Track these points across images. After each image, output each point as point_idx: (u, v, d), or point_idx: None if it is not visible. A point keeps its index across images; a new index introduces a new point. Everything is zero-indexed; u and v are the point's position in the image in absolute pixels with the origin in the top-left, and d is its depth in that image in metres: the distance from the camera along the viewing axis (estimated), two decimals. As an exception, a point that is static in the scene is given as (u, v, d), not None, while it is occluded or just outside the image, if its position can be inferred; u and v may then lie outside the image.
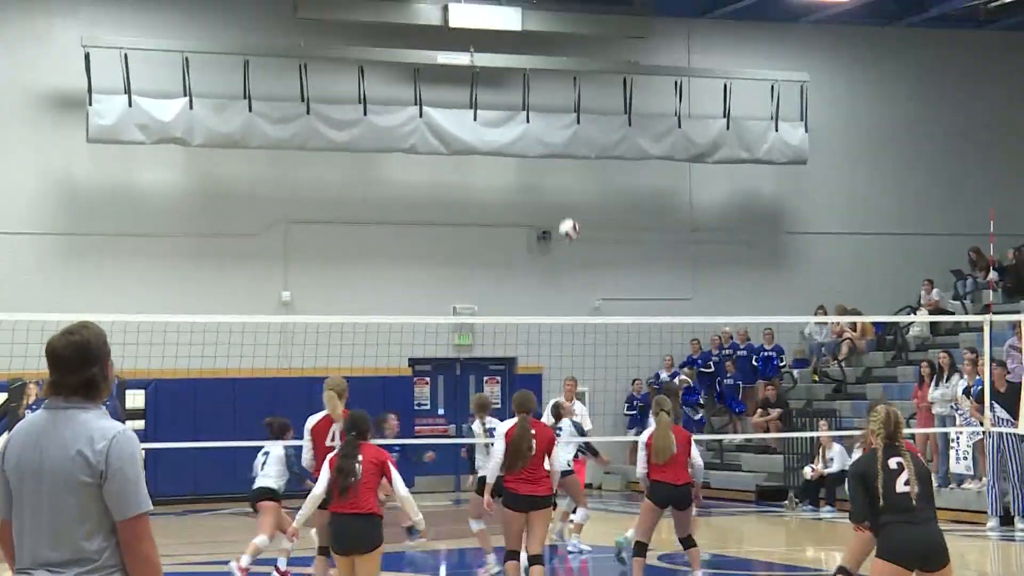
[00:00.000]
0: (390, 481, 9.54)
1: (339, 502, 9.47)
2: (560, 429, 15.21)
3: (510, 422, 11.38)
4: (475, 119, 23.58)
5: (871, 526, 7.96)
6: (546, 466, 11.17)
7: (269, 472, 13.09)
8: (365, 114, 23.02)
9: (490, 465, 11.45)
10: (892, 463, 7.92)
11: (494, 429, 14.77)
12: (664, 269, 25.48)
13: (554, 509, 12.35)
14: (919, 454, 8.76)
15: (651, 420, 12.65)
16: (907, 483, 7.89)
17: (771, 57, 26.01)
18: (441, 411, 24.39)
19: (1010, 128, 27.21)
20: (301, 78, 22.71)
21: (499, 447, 11.24)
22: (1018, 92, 27.30)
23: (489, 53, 23.80)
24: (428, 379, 24.44)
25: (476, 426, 14.17)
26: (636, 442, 23.14)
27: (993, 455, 17.50)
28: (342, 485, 9.40)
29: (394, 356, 22.71)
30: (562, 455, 13.94)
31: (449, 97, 23.80)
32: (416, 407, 23.98)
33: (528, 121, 23.86)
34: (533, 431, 11.22)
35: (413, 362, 23.81)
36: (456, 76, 23.70)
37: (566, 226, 18.67)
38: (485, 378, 24.53)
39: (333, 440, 10.99)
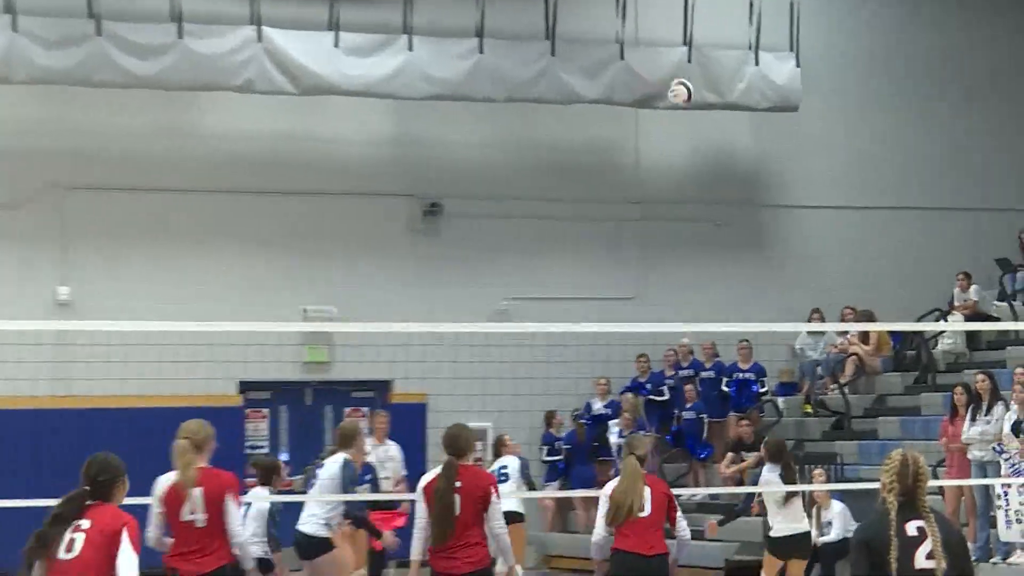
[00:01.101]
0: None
1: None
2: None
3: (434, 471, 11.69)
4: (336, 45, 23.57)
5: None
6: (494, 528, 11.54)
7: (316, 512, 14.05)
8: (180, 36, 22.94)
9: (413, 536, 11.69)
10: (911, 528, 8.05)
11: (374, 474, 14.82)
12: (599, 257, 25.58)
13: None
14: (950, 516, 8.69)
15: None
16: (930, 556, 7.99)
17: (749, -38, 26.09)
18: (284, 455, 23.92)
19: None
20: (86, -16, 22.55)
21: (420, 510, 11.56)
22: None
23: (354, -47, 23.84)
24: (265, 411, 24.42)
25: (334, 467, 14.32)
26: (555, 499, 23.04)
27: None
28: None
29: (217, 379, 22.57)
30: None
31: (301, 14, 23.78)
32: (249, 451, 23.64)
33: (410, 48, 23.87)
34: (459, 482, 11.39)
35: (245, 387, 23.79)
36: (309, -15, 23.70)
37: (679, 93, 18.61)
38: (346, 409, 24.40)
39: (194, 512, 10.95)
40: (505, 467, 18.03)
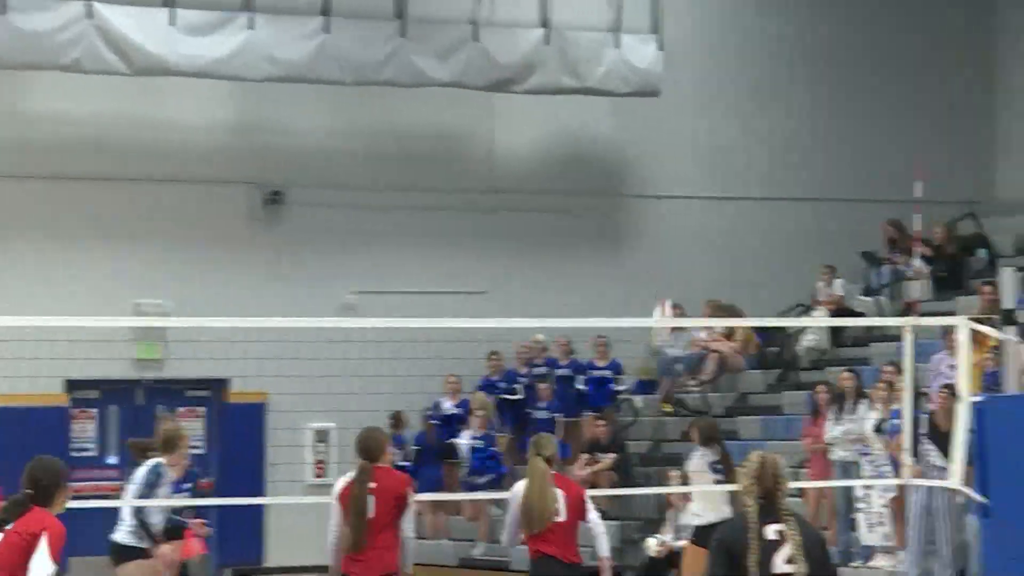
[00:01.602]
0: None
1: None
2: None
3: (348, 475, 12.02)
4: (172, 23, 23.40)
5: None
6: (405, 531, 11.89)
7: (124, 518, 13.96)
8: (4, 12, 22.70)
9: (328, 544, 12.01)
10: (770, 532, 8.21)
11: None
12: (450, 249, 25.62)
13: None
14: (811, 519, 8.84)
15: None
16: (789, 560, 8.15)
17: (609, -59, 26.34)
18: (112, 459, 24.10)
19: (948, 53, 27.89)
20: (-98, -46, 22.41)
21: (333, 513, 11.97)
22: (959, 6, 28.04)
23: (191, -75, 23.79)
24: (94, 411, 24.25)
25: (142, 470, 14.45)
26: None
27: (919, 519, 17.86)
28: None
29: (41, 377, 22.31)
30: None
31: (133, -11, 23.66)
32: (74, 453, 23.46)
33: (252, 27, 23.77)
34: (373, 484, 11.75)
35: (72, 385, 23.62)
36: (142, -42, 23.59)
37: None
38: (180, 409, 24.31)
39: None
40: None
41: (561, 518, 12.68)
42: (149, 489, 14.11)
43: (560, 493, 12.77)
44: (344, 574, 11.79)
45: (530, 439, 13.46)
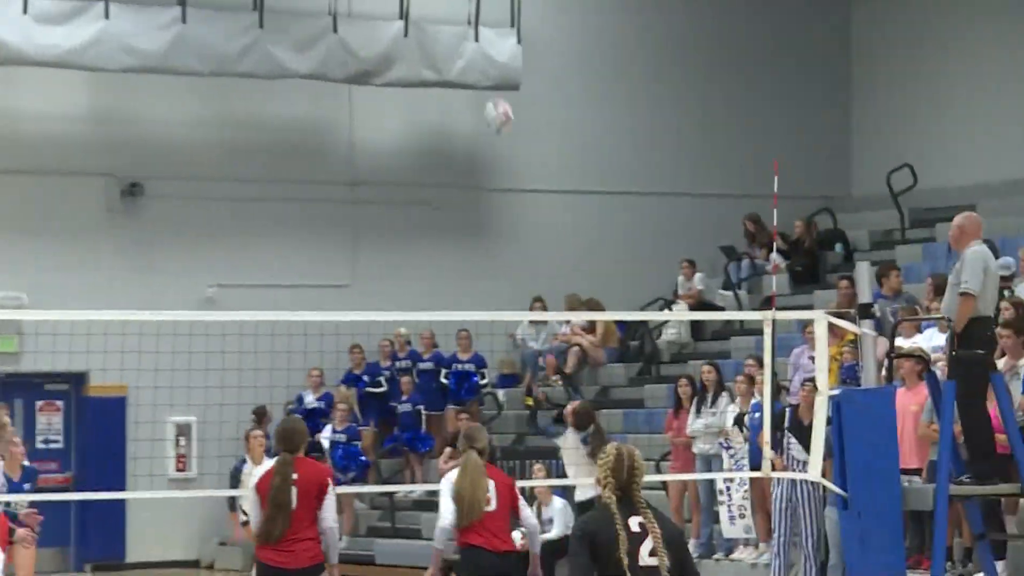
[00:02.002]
0: None
1: None
2: None
3: (266, 465, 12.10)
4: (24, 11, 23.32)
5: None
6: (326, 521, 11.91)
7: None
8: None
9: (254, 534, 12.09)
10: (633, 524, 8.25)
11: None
12: (311, 242, 25.66)
13: None
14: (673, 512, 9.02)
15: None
16: (653, 552, 8.19)
17: (469, -68, 26.34)
18: (-30, 454, 23.84)
19: (805, 48, 28.36)
20: None
21: (252, 502, 11.96)
22: (816, 4, 28.51)
23: (44, -89, 23.50)
24: (-54, 404, 24.01)
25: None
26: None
27: (782, 512, 17.93)
28: None
29: None
30: None
31: (-17, -23, 23.35)
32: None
33: (107, 17, 23.71)
34: (295, 475, 11.75)
35: None
36: (-6, -57, 23.27)
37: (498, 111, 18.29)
38: (39, 403, 24.26)
39: None
40: None
41: (491, 508, 12.77)
42: None
43: (491, 483, 12.84)
44: (265, 564, 11.83)
45: (462, 432, 13.61)
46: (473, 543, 12.73)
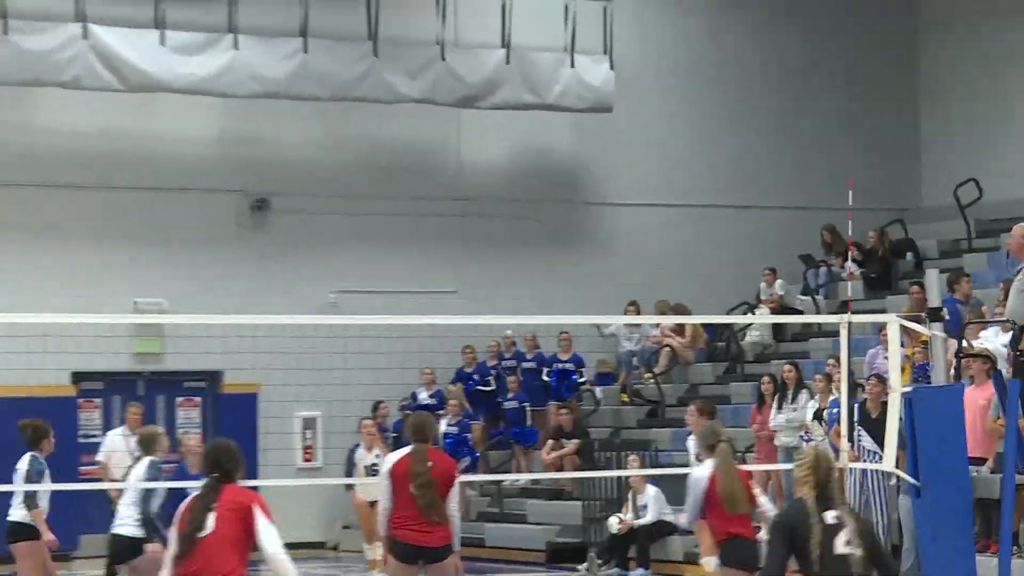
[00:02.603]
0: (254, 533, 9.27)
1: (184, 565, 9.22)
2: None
3: (399, 453, 12.11)
4: (162, 43, 23.48)
5: None
6: (451, 510, 12.01)
7: (19, 497, 13.58)
8: (5, 32, 22.71)
9: (379, 509, 12.17)
10: (829, 517, 8.53)
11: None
12: (424, 252, 25.67)
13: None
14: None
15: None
16: (848, 542, 8.45)
17: (566, -33, 26.36)
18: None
19: (875, 74, 28.20)
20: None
21: (385, 486, 11.98)
22: (887, 30, 28.35)
23: (182, -48, 23.69)
24: (98, 400, 24.24)
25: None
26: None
27: (856, 500, 17.97)
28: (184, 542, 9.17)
29: (51, 369, 22.41)
30: None
31: (126, 12, 23.60)
32: (81, 439, 23.59)
33: (237, 48, 23.84)
34: (430, 463, 11.89)
35: (78, 377, 23.59)
36: (136, -18, 23.50)
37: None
38: (179, 399, 24.47)
39: None
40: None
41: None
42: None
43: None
44: (405, 543, 11.88)
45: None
46: (737, 533, 12.11)
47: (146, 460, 14.36)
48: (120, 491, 14.65)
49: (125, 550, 14.15)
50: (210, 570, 9.00)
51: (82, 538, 22.91)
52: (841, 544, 8.47)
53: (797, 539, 8.48)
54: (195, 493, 9.32)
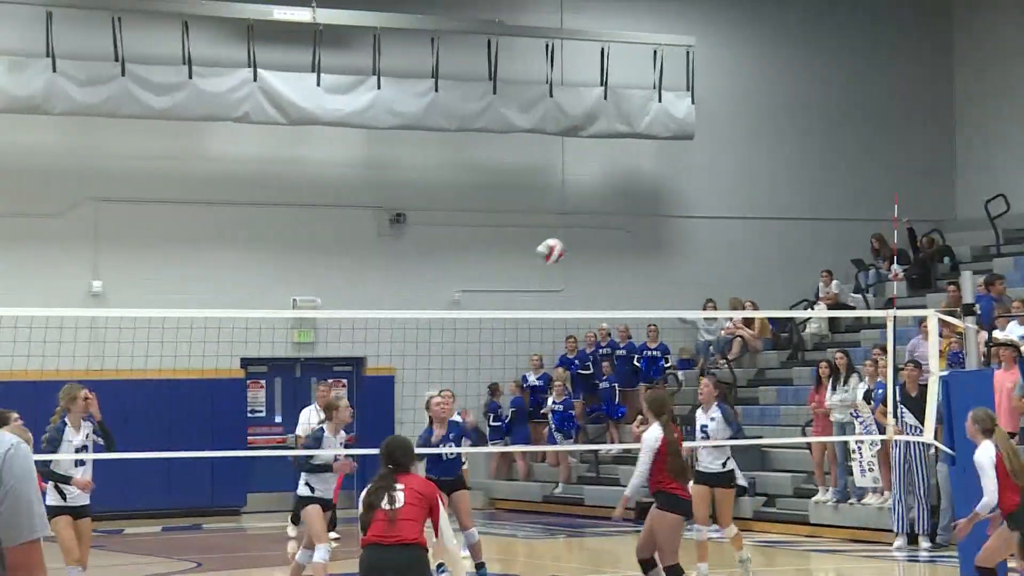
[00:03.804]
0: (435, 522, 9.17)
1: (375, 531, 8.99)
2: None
3: (655, 431, 12.09)
4: (318, 84, 23.59)
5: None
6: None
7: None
8: (190, 77, 22.90)
9: (634, 481, 12.34)
10: None
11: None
12: (533, 257, 25.23)
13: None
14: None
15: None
16: None
17: (654, 18, 26.36)
18: (278, 418, 24.26)
19: (915, 104, 27.92)
20: (114, 33, 22.43)
21: (647, 459, 12.07)
22: (925, 65, 28.02)
23: (334, 9, 23.74)
24: (263, 382, 24.41)
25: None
26: (500, 454, 23.07)
27: (900, 467, 17.85)
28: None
29: (224, 356, 22.42)
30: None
31: (288, 58, 23.75)
32: (249, 414, 23.94)
33: (379, 87, 23.91)
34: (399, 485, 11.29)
35: (246, 362, 23.73)
36: (296, 34, 23.62)
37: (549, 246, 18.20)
38: (329, 380, 24.31)
39: None
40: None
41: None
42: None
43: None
44: (671, 492, 12.10)
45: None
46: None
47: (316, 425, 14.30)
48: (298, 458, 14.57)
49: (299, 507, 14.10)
50: (403, 535, 8.83)
51: (249, 495, 23.13)
52: None
53: None
54: (373, 481, 9.15)
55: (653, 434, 12.25)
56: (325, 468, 13.26)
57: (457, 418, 15.29)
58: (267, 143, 24.28)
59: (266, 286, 23.56)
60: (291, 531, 17.26)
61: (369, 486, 9.16)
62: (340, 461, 13.44)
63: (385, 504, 8.87)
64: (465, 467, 15.94)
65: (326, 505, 13.28)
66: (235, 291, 22.95)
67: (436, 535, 9.14)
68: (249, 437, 23.40)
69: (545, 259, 17.65)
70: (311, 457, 13.34)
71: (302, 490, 13.43)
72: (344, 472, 13.80)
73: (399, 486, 8.97)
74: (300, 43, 23.61)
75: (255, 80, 23.18)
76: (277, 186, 24.33)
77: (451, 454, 14.43)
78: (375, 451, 12.79)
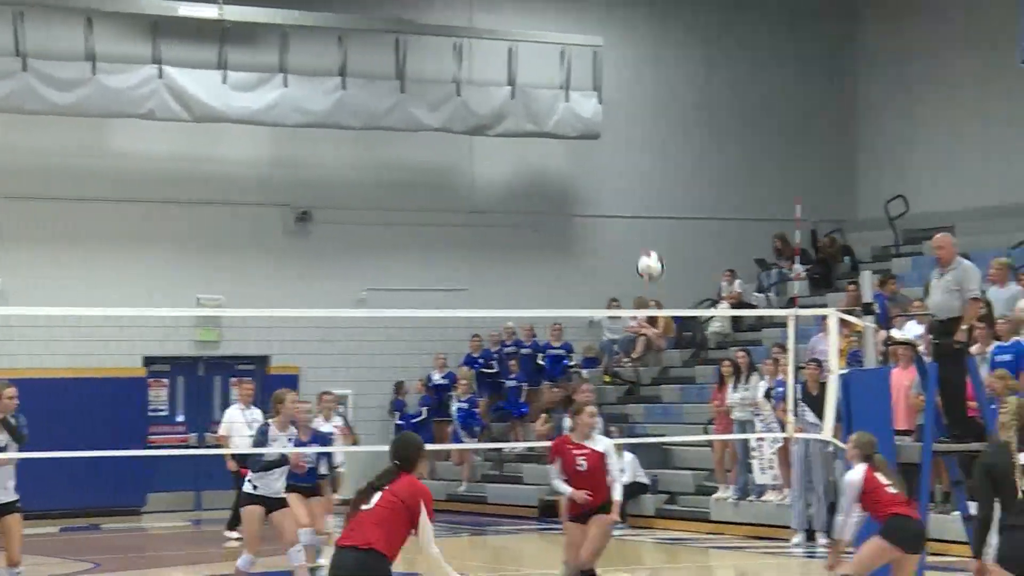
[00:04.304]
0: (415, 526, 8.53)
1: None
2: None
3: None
4: (224, 81, 23.33)
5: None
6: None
7: None
8: (93, 73, 22.59)
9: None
10: (1022, 458, 8.36)
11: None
12: (440, 256, 25.49)
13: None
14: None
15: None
16: None
17: (562, 18, 26.25)
18: (180, 417, 24.01)
19: (818, 106, 28.00)
20: (16, 29, 22.11)
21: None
22: (827, 67, 28.11)
23: (240, 6, 23.48)
24: (166, 380, 24.08)
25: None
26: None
27: (800, 465, 17.86)
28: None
29: (125, 354, 22.35)
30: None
31: (193, 55, 23.47)
32: (150, 413, 23.58)
33: (286, 85, 23.69)
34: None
35: (148, 361, 23.48)
36: (202, 31, 23.36)
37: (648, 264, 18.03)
38: (232, 379, 23.92)
39: None
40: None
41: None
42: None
43: None
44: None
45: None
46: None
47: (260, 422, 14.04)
48: (235, 457, 14.18)
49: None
50: (356, 538, 8.35)
51: (150, 495, 22.83)
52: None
53: (996, 477, 8.22)
54: (377, 474, 8.62)
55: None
56: (271, 466, 12.90)
57: (329, 428, 15.03)
58: (173, 140, 23.96)
59: (170, 284, 23.24)
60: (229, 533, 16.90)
61: (368, 482, 8.69)
62: (289, 456, 13.01)
63: (362, 505, 8.49)
64: (341, 470, 15.60)
65: (271, 504, 12.87)
66: (138, 289, 22.64)
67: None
68: (150, 436, 23.07)
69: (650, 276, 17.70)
70: (261, 455, 12.97)
71: (246, 487, 13.08)
72: (297, 470, 13.42)
73: (388, 487, 8.46)
74: (206, 40, 23.33)
75: (160, 77, 22.91)
76: (182, 184, 24.01)
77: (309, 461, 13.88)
78: (287, 450, 12.63)
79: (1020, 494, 8.13)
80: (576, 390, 15.19)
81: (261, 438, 13.05)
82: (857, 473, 11.12)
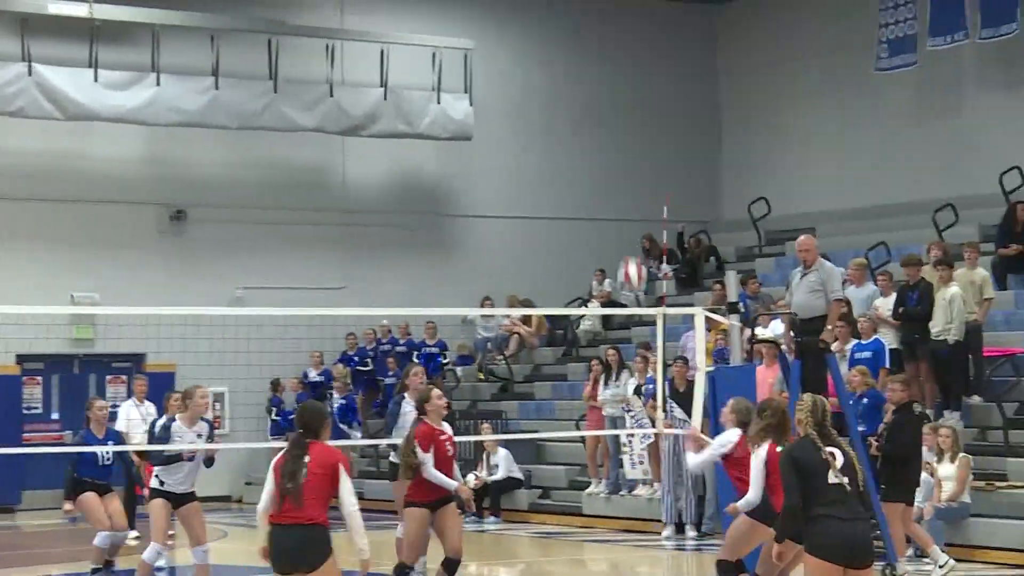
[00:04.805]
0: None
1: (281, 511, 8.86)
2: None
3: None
4: (96, 80, 23.18)
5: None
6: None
7: None
8: None
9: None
10: (827, 452, 8.51)
11: None
12: (314, 255, 25.49)
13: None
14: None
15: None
16: (842, 472, 8.44)
17: (433, 21, 26.40)
18: (55, 415, 23.83)
19: (685, 108, 28.47)
20: None
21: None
22: (693, 69, 28.61)
23: (111, 4, 23.34)
24: (40, 378, 23.93)
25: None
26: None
27: (669, 460, 18.16)
28: (283, 491, 8.81)
29: None
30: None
31: (64, 53, 23.27)
32: (25, 411, 23.41)
33: (159, 84, 23.60)
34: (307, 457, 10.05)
35: (22, 359, 23.26)
36: (73, 29, 23.16)
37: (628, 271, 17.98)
38: (108, 377, 24.11)
39: None
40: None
41: None
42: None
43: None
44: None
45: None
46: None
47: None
48: (138, 452, 14.08)
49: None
50: (298, 515, 8.75)
51: (24, 493, 22.58)
52: (833, 475, 8.45)
53: (803, 470, 8.44)
54: (286, 448, 8.94)
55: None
56: (175, 459, 12.86)
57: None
58: (45, 138, 23.73)
59: (44, 282, 23.04)
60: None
61: (281, 455, 8.93)
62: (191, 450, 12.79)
63: (287, 483, 8.73)
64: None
65: (179, 499, 12.86)
66: (12, 287, 22.40)
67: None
68: (25, 434, 22.82)
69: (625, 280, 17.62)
70: (163, 450, 12.79)
71: (152, 482, 12.91)
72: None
73: (306, 458, 8.81)
74: (77, 38, 23.14)
75: (30, 74, 22.69)
76: (56, 181, 23.80)
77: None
78: (156, 447, 12.58)
79: (831, 483, 8.43)
80: (408, 375, 14.96)
81: (164, 433, 12.99)
82: (732, 436, 11.14)
